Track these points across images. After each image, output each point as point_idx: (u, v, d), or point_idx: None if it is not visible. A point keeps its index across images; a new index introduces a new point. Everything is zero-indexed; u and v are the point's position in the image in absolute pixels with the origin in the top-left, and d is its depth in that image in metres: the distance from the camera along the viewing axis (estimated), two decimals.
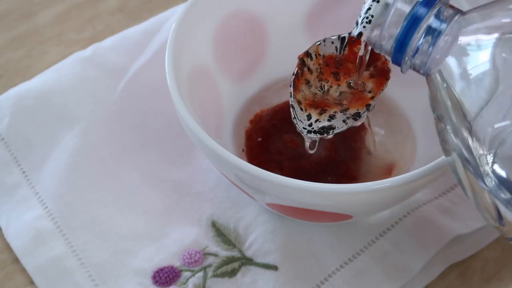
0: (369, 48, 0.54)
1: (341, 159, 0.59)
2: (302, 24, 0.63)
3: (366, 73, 0.57)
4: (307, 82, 0.56)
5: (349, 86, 0.57)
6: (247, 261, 0.56)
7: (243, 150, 0.60)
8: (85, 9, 0.74)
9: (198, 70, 0.57)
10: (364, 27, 0.55)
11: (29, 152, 0.62)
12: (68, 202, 0.59)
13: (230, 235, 0.58)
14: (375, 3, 0.54)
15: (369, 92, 0.57)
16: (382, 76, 0.57)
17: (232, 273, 0.56)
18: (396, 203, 0.55)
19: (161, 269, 0.56)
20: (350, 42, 0.56)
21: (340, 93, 0.57)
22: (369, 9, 0.55)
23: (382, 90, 0.56)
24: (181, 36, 0.55)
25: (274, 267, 0.56)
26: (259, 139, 0.60)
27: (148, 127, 0.63)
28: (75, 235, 0.58)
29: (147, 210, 0.59)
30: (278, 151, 0.59)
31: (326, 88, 0.57)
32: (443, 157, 0.48)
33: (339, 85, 0.57)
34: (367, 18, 0.55)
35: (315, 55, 0.57)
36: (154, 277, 0.56)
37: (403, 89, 0.62)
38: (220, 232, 0.58)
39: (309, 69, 0.56)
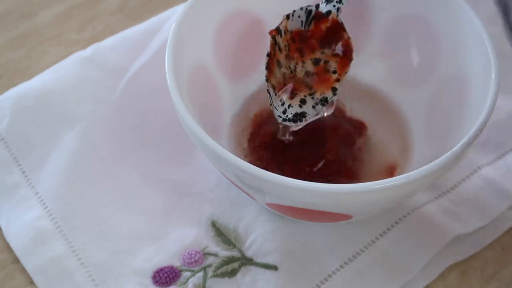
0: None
1: (341, 159, 0.59)
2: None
3: (329, 52, 0.58)
4: (278, 63, 0.57)
5: (314, 63, 0.58)
6: (247, 261, 0.56)
7: (243, 148, 0.60)
8: (85, 9, 0.74)
9: (198, 70, 0.57)
10: (334, 6, 0.56)
11: (29, 152, 0.62)
12: (68, 202, 0.59)
13: (230, 235, 0.58)
14: None
15: (333, 72, 0.57)
16: (346, 56, 0.57)
17: (232, 273, 0.56)
18: (396, 203, 0.55)
19: (161, 269, 0.56)
20: (316, 18, 0.57)
21: (306, 73, 0.58)
22: None
23: (346, 72, 0.57)
24: (181, 36, 0.55)
25: (274, 267, 0.56)
26: (259, 138, 0.60)
27: (148, 127, 0.63)
28: (75, 235, 0.58)
29: (147, 210, 0.59)
30: (278, 151, 0.59)
31: (293, 66, 0.57)
32: (443, 157, 0.48)
33: (304, 62, 0.58)
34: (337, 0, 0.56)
35: (284, 31, 0.57)
36: (154, 277, 0.56)
37: (403, 89, 0.62)
38: (220, 232, 0.58)
39: (279, 47, 0.57)
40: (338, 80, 0.57)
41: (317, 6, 0.57)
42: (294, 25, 0.57)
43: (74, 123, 0.62)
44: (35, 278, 0.56)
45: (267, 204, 0.53)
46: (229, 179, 0.53)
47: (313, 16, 0.57)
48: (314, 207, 0.50)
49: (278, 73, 0.57)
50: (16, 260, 0.57)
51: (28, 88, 0.64)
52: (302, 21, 0.57)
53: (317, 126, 0.59)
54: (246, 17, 0.61)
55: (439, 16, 0.58)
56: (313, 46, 0.58)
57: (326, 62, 0.58)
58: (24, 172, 0.61)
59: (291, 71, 0.58)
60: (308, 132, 0.59)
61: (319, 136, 0.60)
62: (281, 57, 0.57)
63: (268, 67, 0.56)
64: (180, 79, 0.53)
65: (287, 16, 0.57)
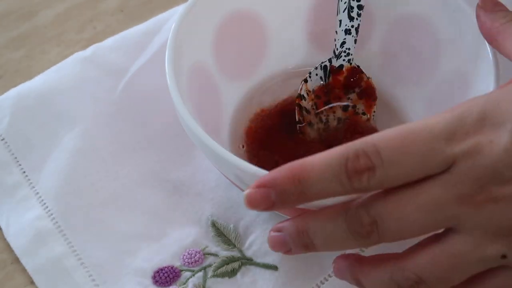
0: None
1: None
2: (302, 24, 0.63)
3: (354, 95, 0.61)
4: (310, 124, 0.61)
5: (343, 111, 0.61)
6: (247, 261, 0.56)
7: (242, 146, 0.60)
8: (85, 9, 0.74)
9: (198, 69, 0.57)
10: (344, 60, 0.60)
11: (29, 152, 0.62)
12: (68, 202, 0.59)
13: (230, 235, 0.58)
14: (348, 36, 0.59)
15: (363, 114, 0.61)
16: (369, 96, 0.61)
17: (232, 273, 0.56)
18: None
19: (161, 269, 0.56)
20: (333, 72, 0.60)
21: (338, 121, 0.60)
22: (343, 43, 0.59)
23: (374, 111, 0.61)
24: (182, 36, 0.55)
25: (274, 267, 0.56)
26: (259, 138, 0.60)
27: (148, 127, 0.63)
28: (75, 235, 0.58)
29: (147, 210, 0.59)
30: (278, 150, 0.59)
31: (324, 119, 0.61)
32: None
33: (334, 113, 0.61)
34: (345, 52, 0.60)
35: (307, 93, 0.60)
36: (154, 277, 0.56)
37: (403, 88, 0.62)
38: (220, 232, 0.58)
39: (307, 110, 0.60)
40: (368, 120, 0.61)
41: (330, 60, 0.61)
42: (314, 83, 0.61)
43: (74, 123, 0.62)
44: (35, 278, 0.56)
45: None
46: (229, 179, 0.53)
47: (329, 70, 0.61)
48: (314, 206, 0.50)
49: (312, 133, 0.60)
50: (16, 260, 0.57)
51: (28, 88, 0.64)
52: (321, 77, 0.61)
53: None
54: (247, 17, 0.61)
55: (440, 16, 0.58)
56: (338, 95, 0.61)
57: (354, 107, 0.61)
58: (24, 172, 0.61)
59: (324, 124, 0.61)
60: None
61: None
62: (311, 118, 0.61)
63: (302, 132, 0.60)
64: (180, 79, 0.53)
65: (305, 80, 0.61)
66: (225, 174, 0.52)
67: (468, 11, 0.56)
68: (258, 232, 0.57)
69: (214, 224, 0.58)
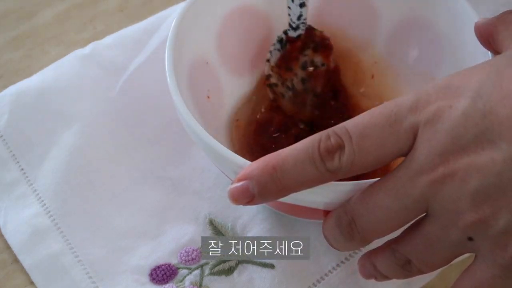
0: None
1: None
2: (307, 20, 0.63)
3: (309, 51, 0.61)
4: (283, 96, 0.61)
5: (302, 69, 0.61)
6: (244, 259, 0.56)
7: (242, 146, 0.60)
8: (85, 9, 0.74)
9: (199, 66, 0.58)
10: (302, 30, 0.60)
11: (28, 150, 0.62)
12: (66, 199, 0.59)
13: (228, 234, 0.58)
14: (304, 8, 0.59)
15: (323, 65, 0.61)
16: (325, 47, 0.61)
17: (229, 271, 0.56)
18: None
19: (158, 267, 0.56)
20: (290, 41, 0.60)
21: (302, 81, 0.60)
22: (300, 16, 0.59)
23: (333, 59, 0.61)
24: (182, 32, 0.55)
25: (270, 266, 0.56)
26: (259, 136, 0.61)
27: (147, 125, 0.63)
28: (72, 233, 0.58)
29: (145, 208, 0.59)
30: (278, 149, 0.59)
31: (291, 85, 0.61)
32: None
33: (296, 75, 0.61)
34: (303, 23, 0.60)
35: (271, 70, 0.61)
36: (151, 274, 0.56)
37: (405, 89, 0.62)
38: (217, 231, 0.58)
39: (275, 85, 0.60)
40: (329, 69, 0.61)
41: (285, 32, 0.61)
42: (275, 58, 0.61)
43: (72, 120, 0.62)
44: (32, 275, 0.56)
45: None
46: (228, 177, 0.53)
47: (286, 41, 0.61)
48: (312, 204, 0.50)
49: (287, 104, 0.61)
50: (16, 260, 0.57)
51: (27, 85, 0.65)
52: (278, 49, 0.61)
53: (316, 124, 0.61)
54: (250, 12, 0.61)
55: (442, 18, 0.58)
56: (295, 57, 0.61)
57: (312, 61, 0.61)
58: (22, 169, 0.61)
59: (292, 90, 0.60)
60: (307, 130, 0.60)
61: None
62: (281, 90, 0.61)
63: (282, 109, 0.61)
64: (180, 76, 0.53)
65: (267, 60, 0.61)
66: (224, 172, 0.52)
67: (471, 14, 0.56)
68: (256, 231, 0.57)
69: (211, 223, 0.58)
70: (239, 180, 0.44)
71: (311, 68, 0.61)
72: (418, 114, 0.42)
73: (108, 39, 0.68)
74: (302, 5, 0.59)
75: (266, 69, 0.61)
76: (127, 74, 0.65)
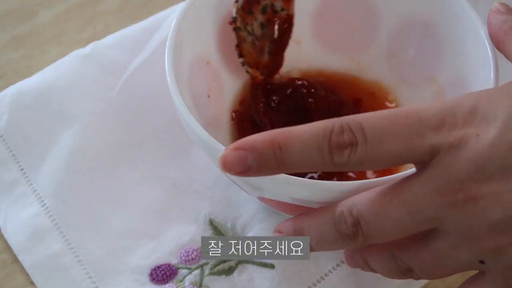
0: None
1: None
2: (308, 18, 0.63)
3: None
4: (244, 40, 0.59)
5: (262, 13, 0.59)
6: (244, 259, 0.56)
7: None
8: (85, 9, 0.74)
9: (199, 66, 0.58)
10: None
11: (28, 150, 0.62)
12: (66, 199, 0.59)
13: (228, 233, 0.58)
14: None
15: (282, 10, 0.59)
16: None
17: (229, 271, 0.56)
18: None
19: (158, 267, 0.56)
20: None
21: (261, 26, 0.59)
22: None
23: (293, 4, 0.59)
24: (182, 32, 0.55)
25: (270, 266, 0.56)
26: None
27: (147, 125, 0.63)
28: (72, 233, 0.58)
29: (145, 208, 0.59)
30: None
31: (251, 30, 0.59)
32: None
33: (256, 19, 0.59)
34: None
35: (237, 12, 0.58)
36: (151, 274, 0.56)
37: (405, 89, 0.62)
38: (217, 230, 0.58)
39: (240, 29, 0.58)
40: (288, 15, 0.59)
41: None
42: (241, 0, 0.59)
43: (72, 120, 0.62)
44: (32, 275, 0.56)
45: (265, 201, 0.53)
46: (228, 177, 0.53)
47: None
48: (314, 204, 0.50)
49: (249, 49, 0.59)
50: (16, 260, 0.57)
51: (27, 85, 0.65)
52: None
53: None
54: None
55: (442, 19, 0.58)
56: (258, 0, 0.59)
57: (272, 6, 0.59)
58: (22, 169, 0.61)
59: (253, 36, 0.59)
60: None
61: None
62: (243, 34, 0.59)
63: (241, 54, 0.59)
64: (180, 75, 0.53)
65: (235, 1, 0.58)
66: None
67: (471, 14, 0.56)
68: (256, 231, 0.58)
69: (211, 223, 0.58)
70: (237, 149, 0.42)
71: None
72: (442, 136, 0.41)
73: (108, 39, 0.68)
74: None
75: (233, 11, 0.59)
76: (127, 74, 0.65)
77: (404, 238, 0.45)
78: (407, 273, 0.46)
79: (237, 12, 0.58)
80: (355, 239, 0.44)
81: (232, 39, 0.60)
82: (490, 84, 0.51)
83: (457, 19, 0.57)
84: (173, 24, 0.55)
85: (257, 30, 0.60)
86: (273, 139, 0.42)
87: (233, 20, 0.58)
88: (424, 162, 0.42)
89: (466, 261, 0.43)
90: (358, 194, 0.45)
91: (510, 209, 0.41)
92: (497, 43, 0.51)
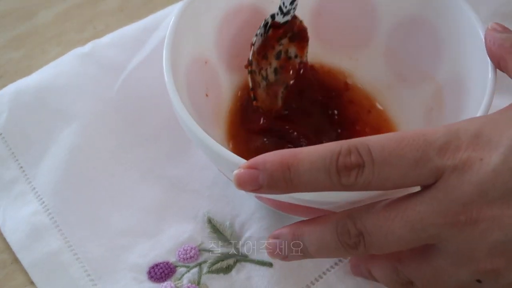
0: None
1: None
2: (306, 16, 0.63)
3: (285, 40, 0.60)
4: (259, 85, 0.60)
5: (276, 59, 0.60)
6: (242, 258, 0.56)
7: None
8: (85, 9, 0.74)
9: (197, 65, 0.58)
10: (290, 16, 0.59)
11: (27, 148, 0.62)
12: (65, 197, 0.59)
13: (226, 232, 0.58)
14: None
15: (295, 57, 0.60)
16: (301, 38, 0.60)
17: (227, 269, 0.56)
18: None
19: (156, 265, 0.56)
20: (274, 27, 0.59)
21: (275, 72, 0.60)
22: (293, 0, 0.58)
23: (307, 52, 0.60)
24: (180, 31, 0.55)
25: (269, 264, 0.56)
26: (258, 132, 0.61)
27: (146, 123, 0.63)
28: (71, 231, 0.58)
29: (144, 206, 0.59)
30: (277, 147, 0.59)
31: (265, 74, 0.60)
32: None
33: (270, 64, 0.60)
34: (294, 8, 0.58)
35: (253, 56, 0.59)
36: (149, 272, 0.56)
37: (404, 88, 0.62)
38: (216, 229, 0.58)
39: (254, 72, 0.59)
40: (301, 62, 0.60)
41: (273, 16, 0.59)
42: (258, 43, 0.59)
43: (72, 119, 0.62)
44: (31, 273, 0.56)
45: (263, 199, 0.53)
46: (226, 176, 0.53)
47: (270, 25, 0.59)
48: (311, 204, 0.50)
49: (262, 97, 0.60)
50: (16, 260, 0.57)
51: (27, 84, 0.65)
52: (262, 34, 0.59)
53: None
54: (249, 10, 0.61)
55: (441, 18, 0.58)
56: (272, 45, 0.60)
57: (286, 52, 0.60)
58: (21, 167, 0.61)
59: (266, 80, 0.60)
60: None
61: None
62: (257, 78, 0.60)
63: (255, 97, 0.59)
64: (178, 74, 0.53)
65: (252, 44, 0.59)
66: (222, 171, 0.52)
67: (470, 14, 0.56)
68: (254, 229, 0.58)
69: (210, 221, 0.58)
70: (249, 168, 0.44)
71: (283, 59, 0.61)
72: (446, 159, 0.42)
73: (108, 38, 0.68)
74: None
75: (250, 54, 0.59)
76: (126, 72, 0.65)
77: (406, 251, 0.46)
78: (408, 285, 0.47)
79: (252, 55, 0.59)
80: (356, 249, 0.45)
81: (230, 38, 0.60)
82: (488, 83, 0.51)
83: (456, 18, 0.57)
84: (171, 23, 0.55)
85: (271, 76, 0.61)
86: (283, 160, 0.43)
87: (249, 63, 0.59)
88: (430, 184, 0.43)
89: (464, 279, 0.44)
90: (362, 205, 0.46)
91: (509, 233, 0.42)
92: (498, 61, 0.51)
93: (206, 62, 0.59)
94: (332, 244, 0.46)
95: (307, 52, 0.61)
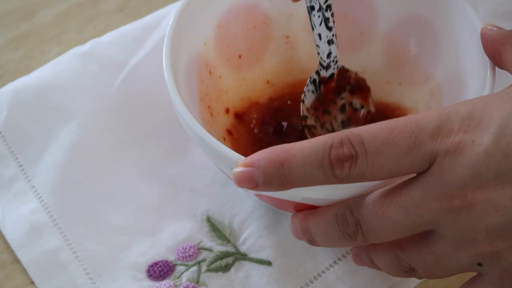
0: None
1: None
2: (306, 15, 0.63)
3: (346, 94, 0.61)
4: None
5: (341, 112, 0.61)
6: (241, 256, 0.56)
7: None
8: (85, 9, 0.74)
9: (197, 62, 0.58)
10: (334, 69, 0.59)
11: (26, 146, 0.62)
12: (64, 195, 0.59)
13: (225, 230, 0.58)
14: (333, 45, 0.59)
15: (362, 107, 0.60)
16: (361, 88, 0.60)
17: (226, 267, 0.56)
18: None
19: (156, 263, 0.56)
20: (323, 82, 0.60)
21: (343, 124, 0.60)
22: (330, 54, 0.59)
23: (372, 101, 0.60)
24: (180, 29, 0.55)
25: (268, 262, 0.56)
26: (257, 131, 0.61)
27: (145, 122, 0.64)
28: (70, 229, 0.58)
29: (143, 204, 0.59)
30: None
31: (330, 128, 0.60)
32: None
33: (335, 118, 0.61)
34: (333, 61, 0.59)
35: (307, 111, 0.60)
36: (148, 271, 0.56)
37: (403, 87, 0.62)
38: (215, 227, 0.58)
39: (313, 127, 0.60)
40: (369, 112, 0.60)
41: (318, 72, 0.60)
42: (310, 99, 0.60)
43: (71, 117, 0.63)
44: (29, 271, 0.56)
45: (263, 198, 0.53)
46: (225, 174, 0.53)
47: (319, 82, 0.60)
48: (310, 201, 0.50)
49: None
50: (16, 260, 0.57)
51: (26, 82, 0.65)
52: (313, 91, 0.60)
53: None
54: (249, 9, 0.61)
55: (440, 17, 0.59)
56: (332, 99, 0.61)
57: (350, 104, 0.61)
58: (21, 165, 0.61)
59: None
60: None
61: None
62: (319, 132, 0.60)
63: None
64: (178, 72, 0.53)
65: (302, 101, 0.60)
66: (221, 169, 0.52)
67: (469, 13, 0.56)
68: (253, 228, 0.58)
69: (209, 220, 0.58)
70: (246, 165, 0.44)
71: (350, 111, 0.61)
72: (439, 143, 0.42)
73: (107, 37, 0.68)
74: (330, 42, 0.59)
75: (302, 109, 0.60)
76: (125, 71, 0.65)
77: (406, 238, 0.46)
78: (410, 272, 0.47)
79: (307, 111, 0.60)
80: (355, 238, 0.45)
81: (229, 36, 0.60)
82: (487, 80, 0.52)
83: (455, 17, 0.57)
84: (170, 22, 0.55)
85: (339, 128, 0.61)
86: (276, 157, 0.43)
87: (303, 119, 0.60)
88: (424, 170, 0.43)
89: (465, 263, 0.44)
90: (360, 195, 0.45)
91: (505, 214, 0.41)
92: (493, 55, 0.52)
93: (205, 61, 0.59)
94: (335, 234, 0.46)
95: (372, 101, 0.61)
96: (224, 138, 0.59)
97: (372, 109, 0.61)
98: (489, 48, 0.52)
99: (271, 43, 0.63)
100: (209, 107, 0.58)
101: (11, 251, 0.58)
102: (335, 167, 0.43)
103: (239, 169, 0.44)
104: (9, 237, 0.58)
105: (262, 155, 0.44)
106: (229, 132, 0.60)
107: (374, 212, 0.44)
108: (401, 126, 0.43)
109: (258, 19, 0.62)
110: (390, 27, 0.62)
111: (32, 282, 0.56)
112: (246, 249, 0.57)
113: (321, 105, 0.61)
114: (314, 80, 0.60)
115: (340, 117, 0.61)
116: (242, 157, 0.47)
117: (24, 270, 0.57)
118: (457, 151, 0.42)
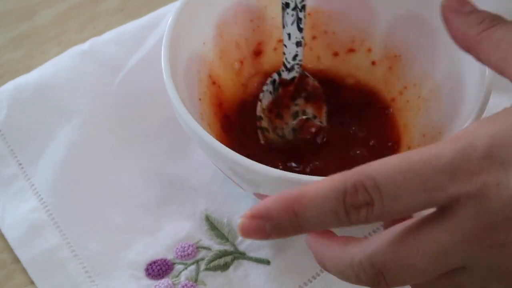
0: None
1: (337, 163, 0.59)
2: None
3: (300, 100, 0.60)
4: (272, 141, 0.60)
5: (293, 118, 0.60)
6: (240, 255, 0.56)
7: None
8: (85, 9, 0.74)
9: (196, 61, 0.58)
10: (296, 72, 0.59)
11: (26, 145, 0.62)
12: (63, 194, 0.59)
13: (224, 229, 0.58)
14: (300, 48, 0.58)
15: (314, 117, 0.60)
16: (317, 98, 0.60)
17: (225, 266, 0.56)
18: None
19: (154, 262, 0.56)
20: (283, 84, 0.60)
21: (294, 131, 0.60)
22: (296, 56, 0.58)
23: (326, 113, 0.60)
24: (179, 29, 0.55)
25: (266, 261, 0.56)
26: (256, 131, 0.61)
27: (145, 121, 0.64)
28: (69, 227, 0.58)
29: (142, 203, 0.59)
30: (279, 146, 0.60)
31: (281, 133, 0.60)
32: None
33: (287, 124, 0.60)
34: (297, 64, 0.59)
35: (262, 112, 0.60)
36: (147, 269, 0.56)
37: (402, 87, 0.62)
38: (213, 226, 0.58)
39: (266, 130, 0.60)
40: (321, 123, 0.60)
41: (279, 73, 0.60)
42: (266, 100, 0.60)
43: (71, 116, 0.63)
44: (28, 269, 0.56)
45: (262, 197, 0.53)
46: (224, 173, 0.53)
47: (278, 83, 0.60)
48: None
49: (280, 147, 0.60)
50: (16, 260, 0.57)
51: (26, 81, 0.65)
52: (270, 91, 0.60)
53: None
54: (248, 8, 0.62)
55: (440, 16, 0.59)
56: (286, 104, 0.61)
57: (303, 112, 0.60)
58: (20, 164, 0.61)
59: (283, 139, 0.60)
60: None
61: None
62: (271, 136, 0.60)
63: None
64: (177, 72, 0.53)
65: (260, 100, 0.60)
66: (220, 168, 0.53)
67: None
68: None
69: (208, 218, 0.58)
70: (254, 217, 0.41)
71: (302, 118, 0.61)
72: (460, 185, 0.40)
73: (107, 36, 0.68)
74: (298, 44, 0.58)
75: (258, 109, 0.60)
76: (125, 70, 0.65)
77: None
78: None
79: (262, 112, 0.60)
80: (378, 286, 0.42)
81: (228, 35, 0.60)
82: (485, 80, 0.52)
83: None
84: (169, 21, 0.55)
85: (289, 135, 0.60)
86: (287, 207, 0.41)
87: (258, 119, 0.60)
88: (445, 207, 0.41)
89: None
90: (375, 238, 0.43)
91: None
92: (468, 50, 0.48)
93: (204, 60, 0.59)
94: (353, 279, 0.43)
95: (325, 114, 0.60)
96: (224, 138, 0.59)
97: (324, 122, 0.60)
98: (462, 44, 0.48)
99: (270, 43, 0.64)
100: (208, 106, 0.59)
101: (11, 251, 0.58)
102: (351, 214, 0.40)
103: (246, 220, 0.41)
104: (8, 235, 0.58)
105: (272, 205, 0.41)
106: (227, 131, 0.60)
107: (400, 263, 0.41)
108: (416, 167, 0.40)
109: (257, 19, 0.62)
110: (389, 27, 0.62)
111: (32, 282, 0.56)
112: (244, 248, 0.57)
113: (276, 108, 0.61)
114: (274, 81, 0.60)
115: (292, 124, 0.61)
116: (242, 157, 0.47)
117: (24, 270, 0.57)
118: (482, 195, 0.40)
